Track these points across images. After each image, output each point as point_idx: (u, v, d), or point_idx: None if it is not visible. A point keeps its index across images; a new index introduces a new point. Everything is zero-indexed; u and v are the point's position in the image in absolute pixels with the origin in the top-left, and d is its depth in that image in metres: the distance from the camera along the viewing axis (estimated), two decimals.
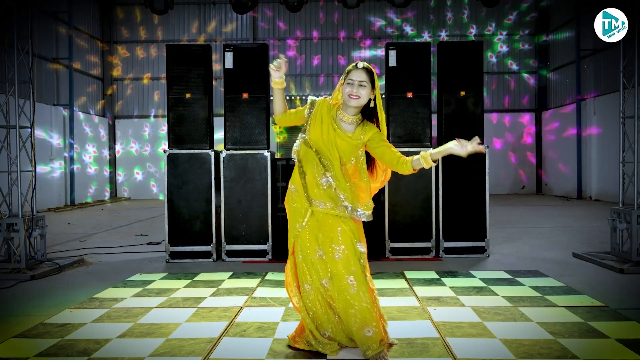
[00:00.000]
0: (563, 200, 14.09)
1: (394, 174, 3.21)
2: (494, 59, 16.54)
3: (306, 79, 16.64)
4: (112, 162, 16.79)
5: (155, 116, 16.85)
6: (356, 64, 2.80)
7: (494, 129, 16.28)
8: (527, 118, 16.82)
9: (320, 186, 2.84)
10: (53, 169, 13.42)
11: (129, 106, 16.95)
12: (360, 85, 2.76)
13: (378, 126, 2.88)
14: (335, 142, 2.83)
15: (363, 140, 2.83)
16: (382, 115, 2.89)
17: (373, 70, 2.84)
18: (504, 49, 16.63)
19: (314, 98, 2.97)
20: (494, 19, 16.42)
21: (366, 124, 2.87)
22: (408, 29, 16.47)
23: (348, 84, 2.78)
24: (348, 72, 2.81)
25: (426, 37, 16.34)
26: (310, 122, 2.89)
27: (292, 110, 2.97)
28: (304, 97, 16.41)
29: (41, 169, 12.42)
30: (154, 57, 16.76)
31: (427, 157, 2.72)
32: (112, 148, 16.75)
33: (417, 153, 5.93)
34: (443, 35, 16.41)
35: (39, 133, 12.49)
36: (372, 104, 2.84)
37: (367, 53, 16.55)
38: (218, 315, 3.66)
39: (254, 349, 2.99)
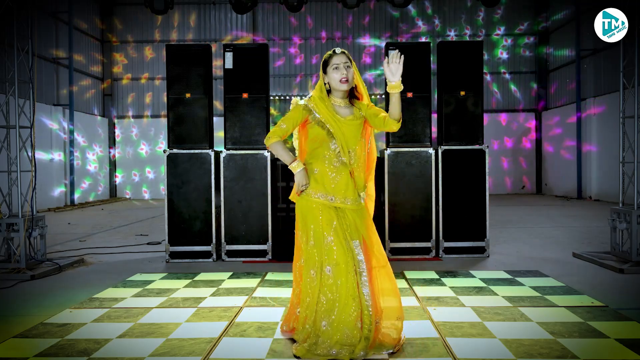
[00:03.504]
0: (563, 200, 14.09)
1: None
2: (494, 60, 16.58)
3: (308, 78, 16.70)
4: (113, 163, 16.81)
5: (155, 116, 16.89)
6: (334, 50, 2.92)
7: (495, 129, 16.30)
8: (527, 118, 16.84)
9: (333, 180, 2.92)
10: (53, 159, 13.47)
11: (129, 106, 16.95)
12: (347, 67, 2.88)
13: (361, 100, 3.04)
14: (342, 130, 2.91)
15: (363, 115, 2.95)
16: (364, 89, 3.02)
17: (348, 53, 2.96)
18: (508, 49, 16.70)
19: (300, 101, 2.97)
20: (505, 24, 16.52)
21: (354, 101, 3.01)
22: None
23: (335, 69, 2.88)
24: (328, 60, 2.91)
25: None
26: (314, 123, 2.93)
27: (287, 125, 2.95)
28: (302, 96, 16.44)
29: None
30: (155, 58, 16.76)
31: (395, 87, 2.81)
32: (112, 148, 16.76)
33: (417, 153, 5.93)
34: (452, 35, 16.49)
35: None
36: (354, 85, 2.98)
37: (369, 42, 16.58)
38: (218, 315, 3.66)
39: (254, 349, 2.99)
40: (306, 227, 2.92)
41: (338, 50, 2.90)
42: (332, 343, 2.76)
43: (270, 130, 2.99)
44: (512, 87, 16.82)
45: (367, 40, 16.58)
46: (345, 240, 2.86)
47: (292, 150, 3.16)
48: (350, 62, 2.91)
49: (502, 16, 16.49)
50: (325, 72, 2.93)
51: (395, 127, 2.91)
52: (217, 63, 15.04)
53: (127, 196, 16.72)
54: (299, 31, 16.67)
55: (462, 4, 16.39)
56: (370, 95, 16.08)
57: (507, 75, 16.79)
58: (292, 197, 3.05)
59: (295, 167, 2.90)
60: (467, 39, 16.36)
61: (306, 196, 2.91)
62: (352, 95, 3.02)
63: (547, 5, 16.41)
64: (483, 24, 16.56)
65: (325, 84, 2.95)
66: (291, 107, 2.99)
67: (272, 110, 16.37)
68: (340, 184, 2.90)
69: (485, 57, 16.19)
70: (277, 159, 5.85)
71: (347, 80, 2.88)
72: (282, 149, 2.94)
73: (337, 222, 2.87)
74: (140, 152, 16.85)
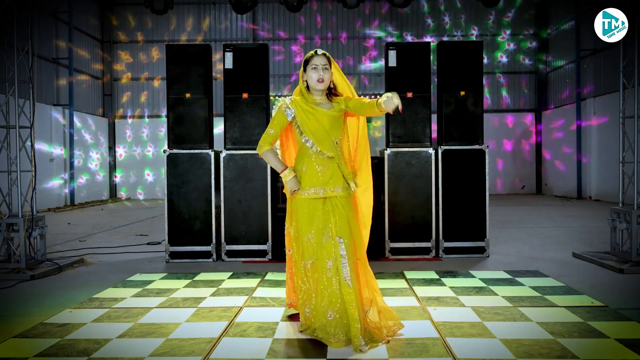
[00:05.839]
0: (563, 200, 14.09)
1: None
2: (495, 62, 16.59)
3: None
4: (113, 164, 16.80)
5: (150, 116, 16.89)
6: (315, 51, 3.11)
7: (494, 130, 16.30)
8: (527, 118, 16.85)
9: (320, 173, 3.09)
10: (53, 157, 13.48)
11: (129, 106, 16.94)
12: (325, 69, 3.07)
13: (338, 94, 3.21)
14: (325, 124, 3.08)
15: (343, 108, 3.12)
16: (345, 82, 3.20)
17: (329, 55, 3.14)
18: (510, 52, 16.71)
19: (283, 101, 3.14)
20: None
21: (333, 97, 3.18)
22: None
23: (313, 69, 3.07)
24: (309, 60, 3.09)
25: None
26: (300, 119, 3.10)
27: (275, 130, 3.13)
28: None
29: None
30: (155, 58, 16.75)
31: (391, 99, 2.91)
32: (111, 148, 16.76)
33: (417, 153, 5.92)
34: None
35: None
36: (331, 85, 3.16)
37: (374, 37, 16.58)
38: (218, 315, 3.66)
39: (254, 349, 2.99)
40: (294, 222, 3.15)
41: (319, 51, 3.09)
42: (313, 328, 3.06)
43: (261, 137, 3.15)
44: (513, 88, 16.82)
45: (372, 39, 16.57)
46: (325, 236, 3.02)
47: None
48: (330, 64, 3.09)
49: (512, 19, 16.51)
50: (305, 70, 3.11)
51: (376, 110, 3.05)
52: (219, 67, 15.02)
53: (122, 198, 16.70)
54: (304, 30, 16.66)
55: (473, 4, 16.37)
56: (366, 95, 16.19)
57: (508, 76, 16.78)
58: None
59: (287, 175, 3.10)
60: (474, 39, 16.36)
61: (297, 195, 3.11)
62: (331, 94, 3.19)
63: (548, 10, 16.38)
64: (492, 26, 16.56)
65: (304, 81, 3.13)
66: (275, 109, 3.16)
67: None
68: (327, 175, 3.06)
69: (488, 58, 16.21)
70: None
71: (322, 81, 3.06)
72: (273, 157, 3.14)
73: (320, 219, 3.04)
74: (147, 154, 16.85)
